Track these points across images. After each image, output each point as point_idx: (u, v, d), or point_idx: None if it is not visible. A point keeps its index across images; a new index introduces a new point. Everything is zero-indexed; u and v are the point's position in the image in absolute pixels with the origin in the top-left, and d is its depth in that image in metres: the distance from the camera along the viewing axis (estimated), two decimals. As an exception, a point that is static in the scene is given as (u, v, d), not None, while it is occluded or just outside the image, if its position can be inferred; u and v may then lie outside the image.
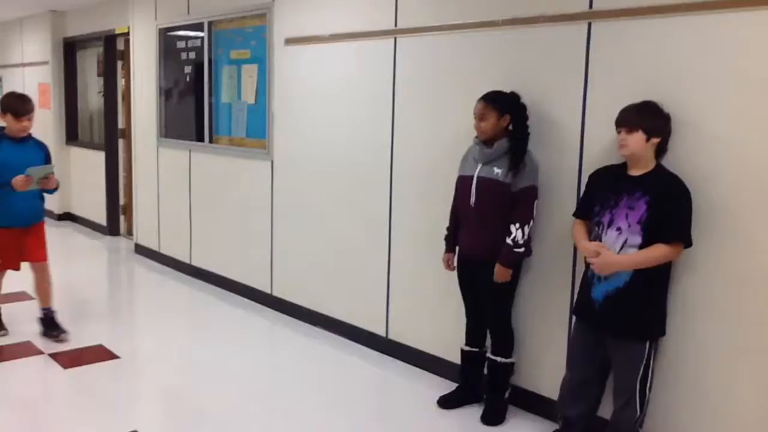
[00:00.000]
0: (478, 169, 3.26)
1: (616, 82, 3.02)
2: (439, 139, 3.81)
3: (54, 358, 4.04)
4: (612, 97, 2.99)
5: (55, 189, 4.22)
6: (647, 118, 2.71)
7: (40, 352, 4.11)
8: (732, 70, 2.67)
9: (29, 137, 4.24)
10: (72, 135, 8.38)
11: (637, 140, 2.71)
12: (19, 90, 9.00)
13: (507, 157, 3.19)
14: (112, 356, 4.11)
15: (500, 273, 3.20)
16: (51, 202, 8.50)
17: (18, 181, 3.97)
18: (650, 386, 2.80)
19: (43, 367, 3.93)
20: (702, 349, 2.80)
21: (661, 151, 2.77)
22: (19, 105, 4.14)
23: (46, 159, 4.30)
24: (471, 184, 3.27)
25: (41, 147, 4.34)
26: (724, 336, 2.74)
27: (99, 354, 4.13)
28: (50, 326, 4.36)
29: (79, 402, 3.52)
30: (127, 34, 6.76)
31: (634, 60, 2.96)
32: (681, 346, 2.86)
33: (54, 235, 8.31)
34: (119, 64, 7.47)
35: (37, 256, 4.37)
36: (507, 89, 3.30)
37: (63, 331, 4.34)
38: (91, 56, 8.17)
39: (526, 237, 3.17)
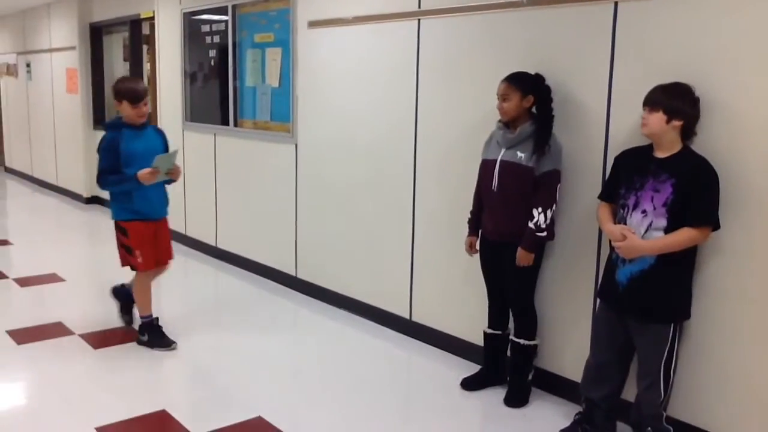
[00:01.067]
0: (501, 154, 3.25)
1: (643, 64, 2.97)
2: (463, 121, 3.79)
3: (84, 338, 4.13)
4: (638, 79, 2.94)
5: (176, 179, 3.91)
6: (670, 99, 2.67)
7: (71, 333, 4.20)
8: (763, 51, 2.61)
9: (147, 124, 3.91)
10: (99, 119, 8.46)
11: (657, 120, 2.68)
12: (47, 75, 9.26)
13: (531, 141, 3.17)
14: (140, 337, 4.19)
15: (522, 257, 3.20)
16: (78, 186, 8.74)
17: (144, 174, 3.66)
18: (674, 369, 2.78)
19: (74, 347, 4.01)
20: (729, 333, 2.78)
21: (687, 134, 2.73)
22: (134, 89, 3.77)
23: (165, 147, 3.99)
24: (494, 169, 3.25)
25: (160, 134, 4.05)
26: (752, 320, 2.71)
27: (128, 334, 4.21)
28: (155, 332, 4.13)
29: (109, 381, 3.60)
30: (153, 18, 6.79)
31: (661, 40, 2.91)
32: (707, 329, 2.83)
33: (82, 218, 8.51)
34: (144, 48, 7.52)
35: (168, 254, 4.11)
36: (531, 70, 3.27)
37: (171, 342, 4.07)
38: (117, 41, 8.25)
39: (548, 221, 3.16)
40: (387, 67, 4.24)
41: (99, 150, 3.82)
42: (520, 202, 3.19)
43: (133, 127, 3.82)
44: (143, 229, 3.89)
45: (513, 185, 3.21)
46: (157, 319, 4.12)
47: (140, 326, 4.07)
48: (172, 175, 3.83)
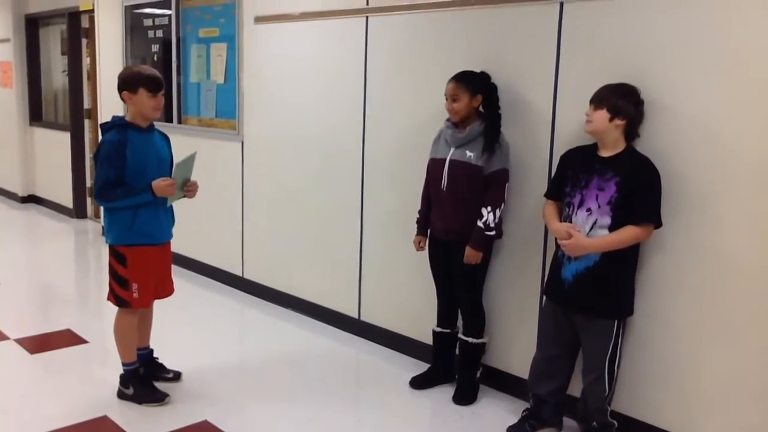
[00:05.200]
0: (450, 153, 3.25)
1: (589, 63, 3.02)
2: (411, 119, 3.79)
3: (20, 343, 3.97)
4: (584, 78, 2.99)
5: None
6: (615, 98, 2.72)
7: (6, 338, 4.04)
8: (706, 52, 2.68)
9: (152, 125, 3.29)
10: (36, 115, 8.18)
11: (600, 118, 2.73)
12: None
13: (480, 140, 3.18)
14: (80, 341, 4.05)
15: (471, 255, 3.21)
16: (13, 184, 8.41)
17: (161, 185, 3.06)
18: (618, 364, 2.84)
19: (10, 353, 3.85)
20: (670, 327, 2.85)
21: (630, 134, 2.78)
22: (152, 75, 3.15)
23: (171, 155, 3.39)
24: (443, 168, 3.26)
25: (165, 137, 3.39)
26: (692, 314, 2.79)
27: (67, 338, 4.07)
28: (161, 368, 3.55)
29: (48, 387, 3.47)
30: (92, 11, 6.58)
31: (606, 41, 2.96)
32: (649, 324, 2.90)
33: (17, 217, 8.22)
34: (84, 42, 7.29)
35: (169, 287, 3.44)
36: (479, 69, 3.28)
37: (178, 372, 3.58)
38: (55, 34, 7.96)
39: (497, 220, 3.18)
40: (334, 64, 4.20)
41: (97, 157, 3.13)
42: (470, 201, 3.21)
43: (140, 129, 3.19)
44: (148, 257, 3.20)
45: (463, 184, 3.22)
46: (152, 352, 3.54)
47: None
48: (187, 192, 3.24)
